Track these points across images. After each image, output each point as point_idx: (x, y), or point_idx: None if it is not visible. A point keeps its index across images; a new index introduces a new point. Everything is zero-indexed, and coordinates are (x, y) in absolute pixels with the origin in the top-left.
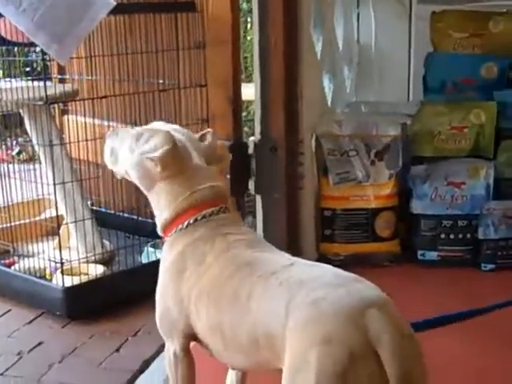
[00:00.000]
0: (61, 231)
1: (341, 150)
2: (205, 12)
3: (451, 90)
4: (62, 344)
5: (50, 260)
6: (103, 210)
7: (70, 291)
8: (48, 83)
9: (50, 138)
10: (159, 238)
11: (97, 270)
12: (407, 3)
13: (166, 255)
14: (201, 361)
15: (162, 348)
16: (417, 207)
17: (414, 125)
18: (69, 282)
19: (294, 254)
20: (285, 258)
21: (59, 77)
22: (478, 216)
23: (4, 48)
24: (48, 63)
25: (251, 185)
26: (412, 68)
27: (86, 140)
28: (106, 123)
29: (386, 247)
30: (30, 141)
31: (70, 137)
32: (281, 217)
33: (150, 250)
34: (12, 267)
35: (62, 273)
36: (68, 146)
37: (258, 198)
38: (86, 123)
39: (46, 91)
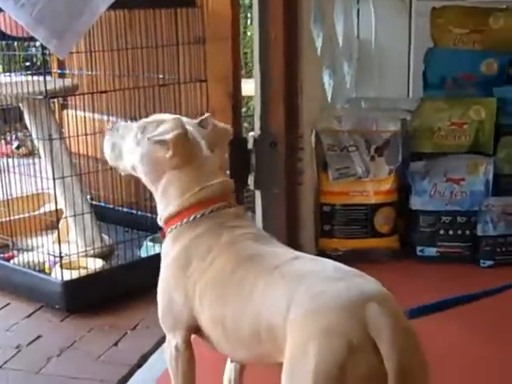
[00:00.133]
0: (60, 225)
1: (340, 145)
2: (205, 7)
3: (451, 86)
4: (60, 337)
5: (49, 254)
6: (102, 204)
7: (68, 285)
8: (48, 78)
9: (49, 133)
10: (158, 231)
11: (96, 264)
12: None
13: (169, 250)
14: (199, 354)
15: (160, 342)
16: (416, 203)
17: (413, 121)
18: (68, 275)
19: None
20: (289, 252)
21: (59, 71)
22: (477, 212)
23: (4, 42)
24: (48, 58)
25: (251, 180)
26: (412, 64)
27: (86, 134)
28: (105, 118)
29: (385, 243)
30: (30, 135)
31: (69, 131)
32: (280, 212)
33: (149, 244)
34: (11, 261)
35: (61, 267)
36: (67, 140)
37: (258, 194)
38: (85, 118)
39: (45, 85)
